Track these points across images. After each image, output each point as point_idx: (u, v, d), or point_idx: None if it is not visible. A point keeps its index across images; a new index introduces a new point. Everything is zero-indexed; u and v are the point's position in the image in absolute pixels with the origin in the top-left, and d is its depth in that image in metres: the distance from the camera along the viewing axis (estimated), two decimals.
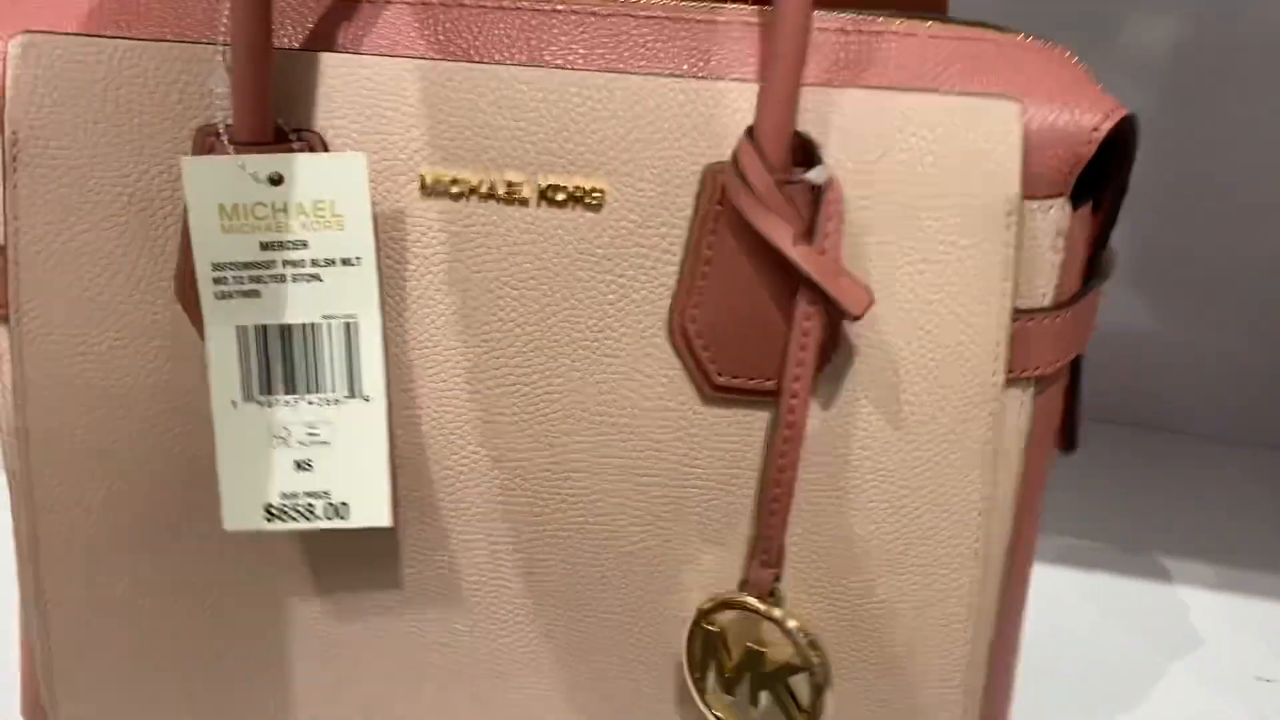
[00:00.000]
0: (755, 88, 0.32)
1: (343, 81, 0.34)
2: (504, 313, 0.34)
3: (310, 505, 0.35)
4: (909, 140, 0.32)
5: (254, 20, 0.32)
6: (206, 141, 0.33)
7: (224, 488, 0.34)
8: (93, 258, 0.34)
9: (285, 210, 0.33)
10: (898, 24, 0.34)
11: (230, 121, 0.33)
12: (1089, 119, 0.33)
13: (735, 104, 0.33)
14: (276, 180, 0.33)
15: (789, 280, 0.32)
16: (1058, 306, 0.35)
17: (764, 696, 0.34)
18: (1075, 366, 0.38)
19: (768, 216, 0.31)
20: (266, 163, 0.32)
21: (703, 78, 0.33)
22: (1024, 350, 0.34)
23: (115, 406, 0.35)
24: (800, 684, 0.34)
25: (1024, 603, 0.39)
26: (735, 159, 0.31)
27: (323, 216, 0.33)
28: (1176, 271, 0.67)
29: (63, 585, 0.37)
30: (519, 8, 0.34)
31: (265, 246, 0.33)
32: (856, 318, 0.31)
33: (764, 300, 0.33)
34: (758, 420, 0.34)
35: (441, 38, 0.34)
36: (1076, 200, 0.35)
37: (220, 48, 0.33)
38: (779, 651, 0.34)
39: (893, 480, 0.34)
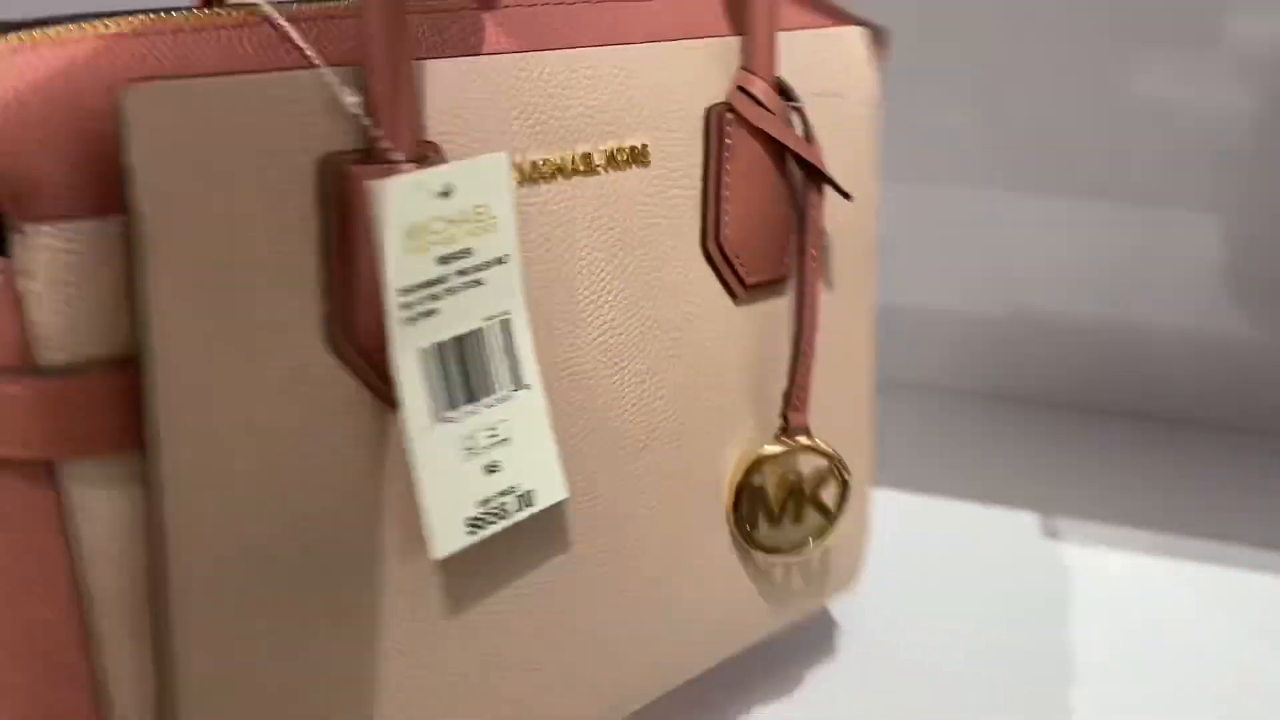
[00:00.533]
0: (726, 43, 0.40)
1: (438, 87, 0.34)
2: (592, 268, 0.38)
3: (503, 505, 0.36)
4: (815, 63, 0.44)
5: (396, 33, 0.32)
6: (354, 170, 0.32)
7: (430, 516, 0.34)
8: (239, 346, 0.31)
9: (454, 221, 0.33)
10: None
11: (382, 144, 0.32)
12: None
13: (722, 56, 0.41)
14: (446, 193, 0.33)
15: (787, 188, 0.42)
16: None
17: (806, 511, 0.44)
18: None
19: (776, 122, 0.40)
20: (440, 176, 0.33)
21: (687, 39, 0.40)
22: None
23: (284, 510, 0.32)
24: (828, 493, 0.45)
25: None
26: (740, 87, 0.40)
27: (481, 220, 0.34)
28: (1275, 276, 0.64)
29: None
30: (560, 1, 0.38)
31: (441, 260, 0.33)
32: (850, 198, 0.42)
33: (774, 203, 0.42)
34: (776, 306, 0.43)
35: (509, 33, 0.36)
36: None
37: (330, 70, 0.32)
38: (810, 474, 0.44)
39: (840, 319, 0.46)
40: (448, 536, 0.34)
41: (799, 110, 0.41)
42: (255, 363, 0.30)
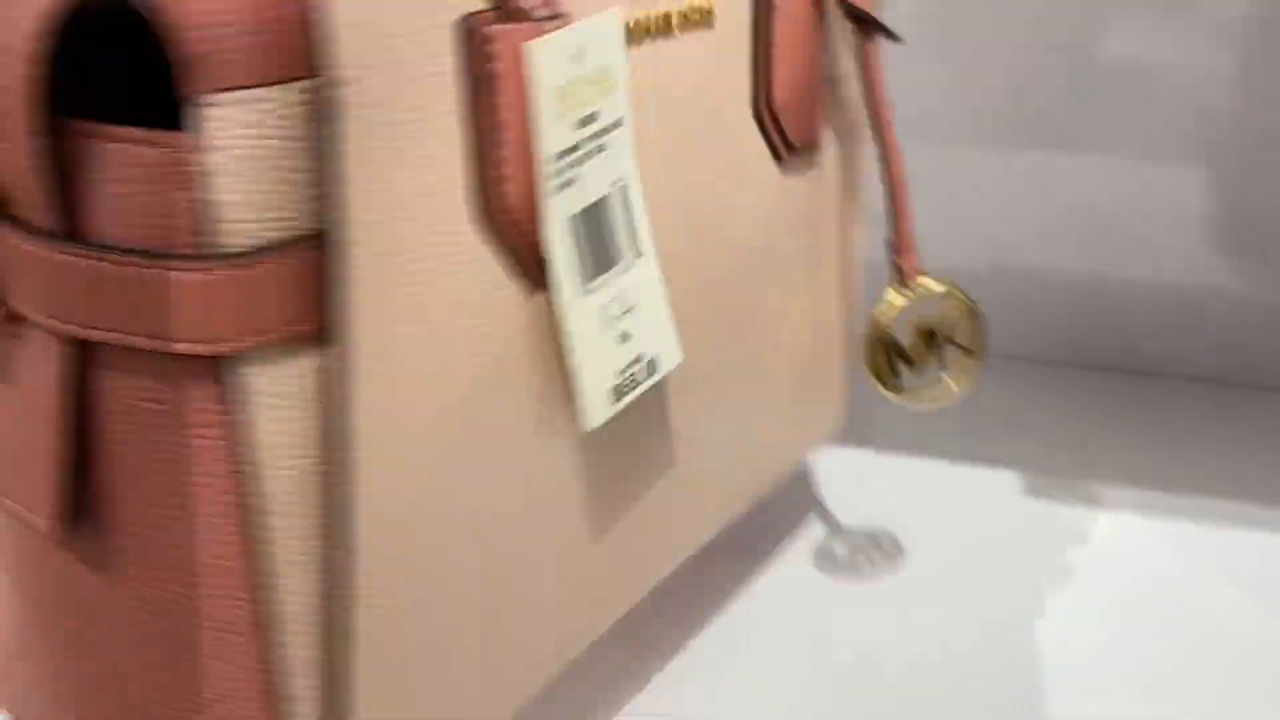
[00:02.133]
0: None
1: None
2: (677, 126, 0.38)
3: (634, 373, 0.36)
4: None
5: None
6: (495, 31, 0.30)
7: (584, 388, 0.34)
8: (410, 218, 0.29)
9: (586, 82, 0.33)
10: None
11: (519, 3, 0.31)
12: None
13: None
14: (579, 54, 0.32)
15: (825, 45, 0.43)
16: None
17: (949, 352, 0.46)
18: None
19: None
20: (574, 36, 0.32)
21: None
22: None
23: (468, 410, 0.31)
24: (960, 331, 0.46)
25: None
26: None
27: (604, 82, 0.34)
28: (1261, 230, 0.63)
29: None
30: None
31: (580, 123, 0.33)
32: (899, 39, 0.44)
33: (815, 64, 0.43)
34: (812, 173, 0.44)
35: None
36: None
37: None
38: (941, 317, 0.46)
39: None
40: (598, 407, 0.34)
41: None
42: (419, 239, 0.29)
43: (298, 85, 0.26)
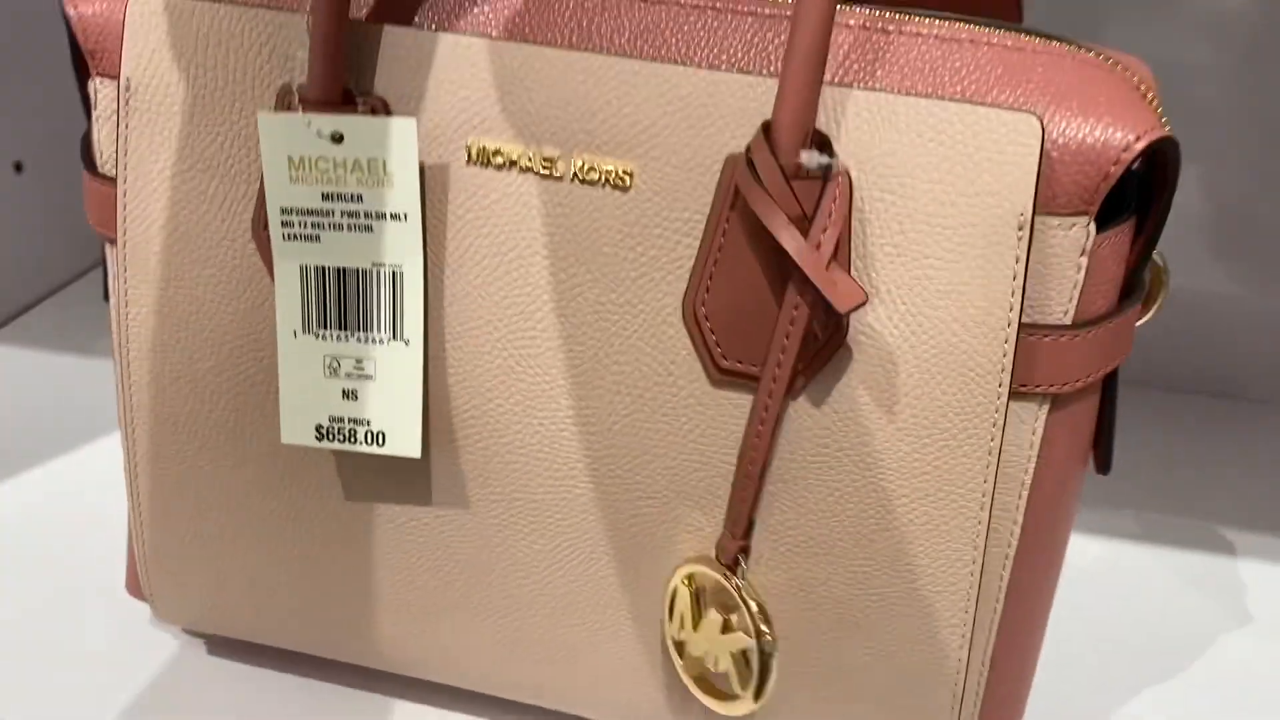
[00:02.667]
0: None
1: (407, 52, 0.36)
2: (534, 279, 0.37)
3: (354, 430, 0.39)
4: (927, 145, 0.33)
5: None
6: (284, 99, 0.36)
7: (283, 407, 0.39)
8: (189, 197, 0.38)
9: (344, 165, 0.36)
10: (936, 25, 0.34)
11: (304, 83, 0.36)
12: (1120, 137, 0.33)
13: (765, 98, 0.34)
14: (338, 138, 0.36)
15: (789, 272, 0.33)
16: (1076, 325, 0.35)
17: (722, 658, 0.37)
18: (1108, 386, 0.38)
19: (769, 205, 0.32)
20: (330, 122, 0.36)
21: (735, 70, 0.34)
22: (1032, 365, 0.34)
23: (202, 332, 0.39)
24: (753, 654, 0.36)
25: (1044, 617, 0.40)
26: (748, 149, 0.33)
27: (376, 173, 0.36)
28: (1265, 237, 0.65)
29: (157, 487, 0.42)
30: None
31: (326, 197, 0.37)
32: (841, 315, 0.32)
33: (766, 290, 0.34)
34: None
35: (502, 16, 0.36)
36: (1114, 218, 0.35)
37: (307, 17, 0.36)
38: (743, 624, 0.36)
39: (887, 478, 0.35)
40: (297, 431, 0.40)
41: (828, 177, 0.33)
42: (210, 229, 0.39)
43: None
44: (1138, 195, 0.35)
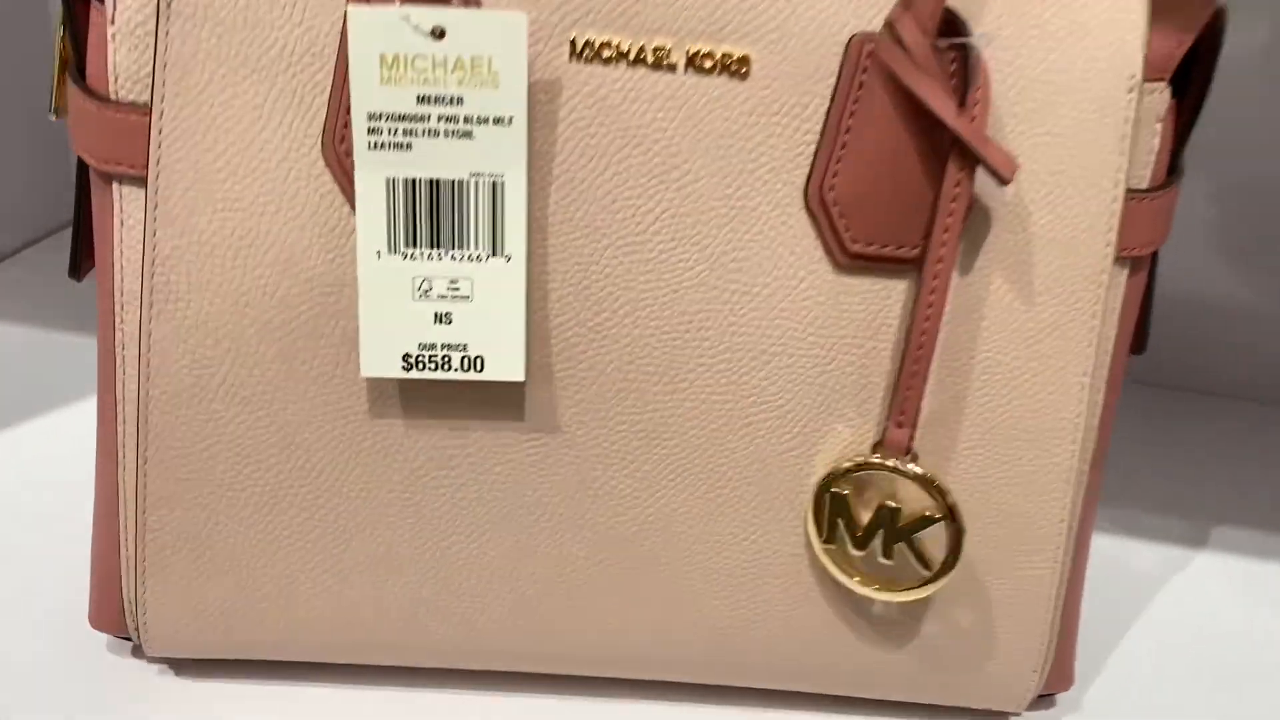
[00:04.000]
0: None
1: None
2: (646, 179, 0.35)
3: (447, 356, 0.36)
4: (1039, 12, 0.34)
5: None
6: None
7: (364, 335, 0.35)
8: (241, 114, 0.34)
9: (444, 64, 0.33)
10: None
11: None
12: (1195, 5, 0.35)
13: None
14: (438, 34, 0.33)
15: (932, 147, 0.34)
16: (1152, 189, 0.37)
17: (897, 550, 0.37)
18: (1152, 264, 0.40)
19: (923, 79, 0.33)
20: (430, 15, 0.33)
21: None
22: (1126, 229, 0.36)
23: (252, 264, 0.35)
24: (928, 538, 0.37)
25: (1096, 502, 0.42)
26: (890, 24, 0.33)
27: (480, 73, 0.34)
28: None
29: (171, 476, 0.37)
30: None
31: (421, 100, 0.34)
32: (1006, 182, 0.33)
33: (905, 167, 0.34)
34: (892, 289, 0.36)
35: None
36: (1178, 87, 0.37)
37: None
38: (912, 507, 0.36)
39: (1018, 349, 0.36)
40: (381, 361, 0.36)
41: (966, 52, 0.34)
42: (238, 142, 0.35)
43: None
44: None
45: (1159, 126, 0.36)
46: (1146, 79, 0.35)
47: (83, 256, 0.40)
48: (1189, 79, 0.38)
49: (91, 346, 0.61)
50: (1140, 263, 0.38)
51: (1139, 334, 0.41)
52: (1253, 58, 0.61)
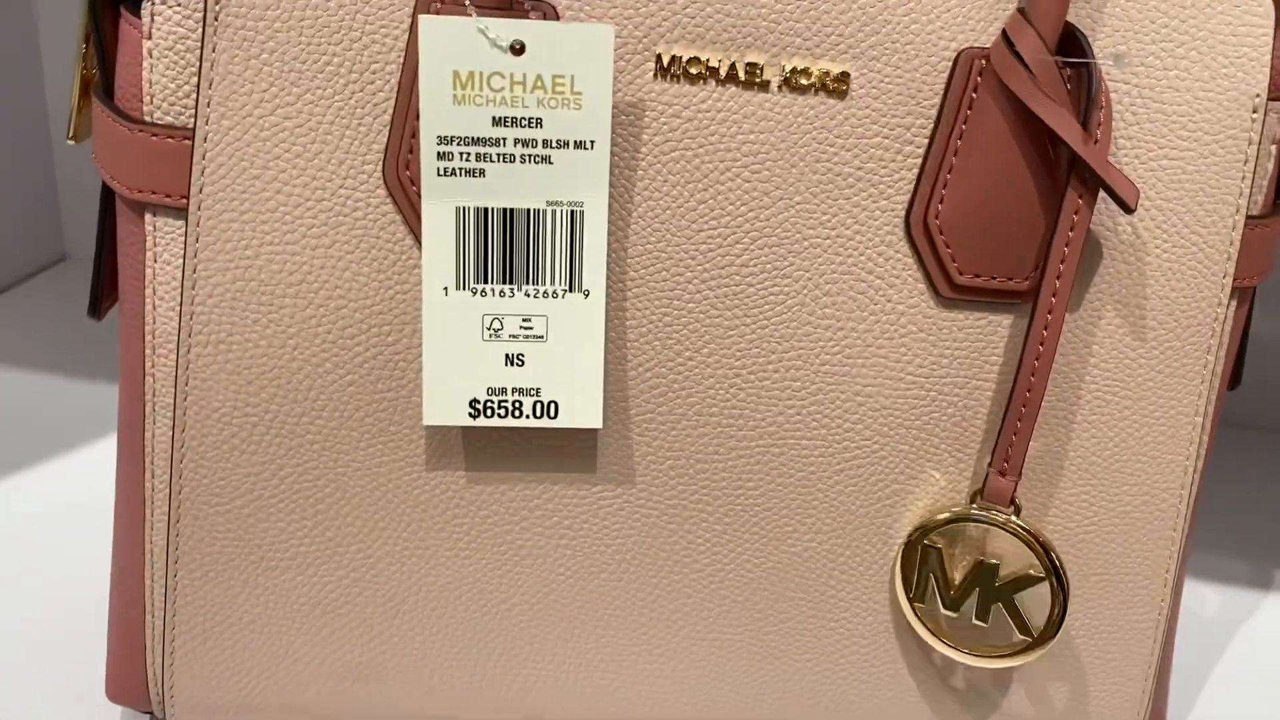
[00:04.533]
0: None
1: None
2: (734, 206, 0.32)
3: (519, 402, 0.33)
4: (1160, 31, 0.32)
5: None
6: (435, 5, 0.30)
7: (427, 379, 0.32)
8: (294, 136, 0.31)
9: (523, 83, 0.30)
10: None
11: None
12: None
13: None
14: (519, 49, 0.30)
15: (1048, 171, 0.31)
16: (1263, 215, 0.35)
17: (994, 611, 0.34)
18: (1251, 294, 0.38)
19: (1046, 101, 0.30)
20: (511, 28, 0.30)
21: None
22: (1241, 258, 0.34)
23: (304, 301, 0.32)
24: (1029, 599, 0.34)
25: (1191, 550, 0.39)
26: (1007, 38, 0.31)
27: (561, 93, 0.31)
28: None
29: (209, 534, 0.34)
30: None
31: (497, 122, 0.31)
32: (1131, 210, 0.31)
33: (1018, 193, 0.32)
34: (997, 325, 0.33)
35: None
36: None
37: None
38: (1011, 565, 0.34)
39: (1128, 389, 0.34)
40: (445, 409, 0.33)
41: (1088, 74, 0.31)
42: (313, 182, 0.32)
43: None
44: None
45: (1274, 149, 0.34)
46: (1271, 98, 0.33)
47: (104, 293, 0.37)
48: None
49: (86, 390, 0.57)
50: (1245, 293, 0.36)
51: (1236, 368, 0.39)
52: None
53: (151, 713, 0.37)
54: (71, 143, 0.36)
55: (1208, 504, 0.57)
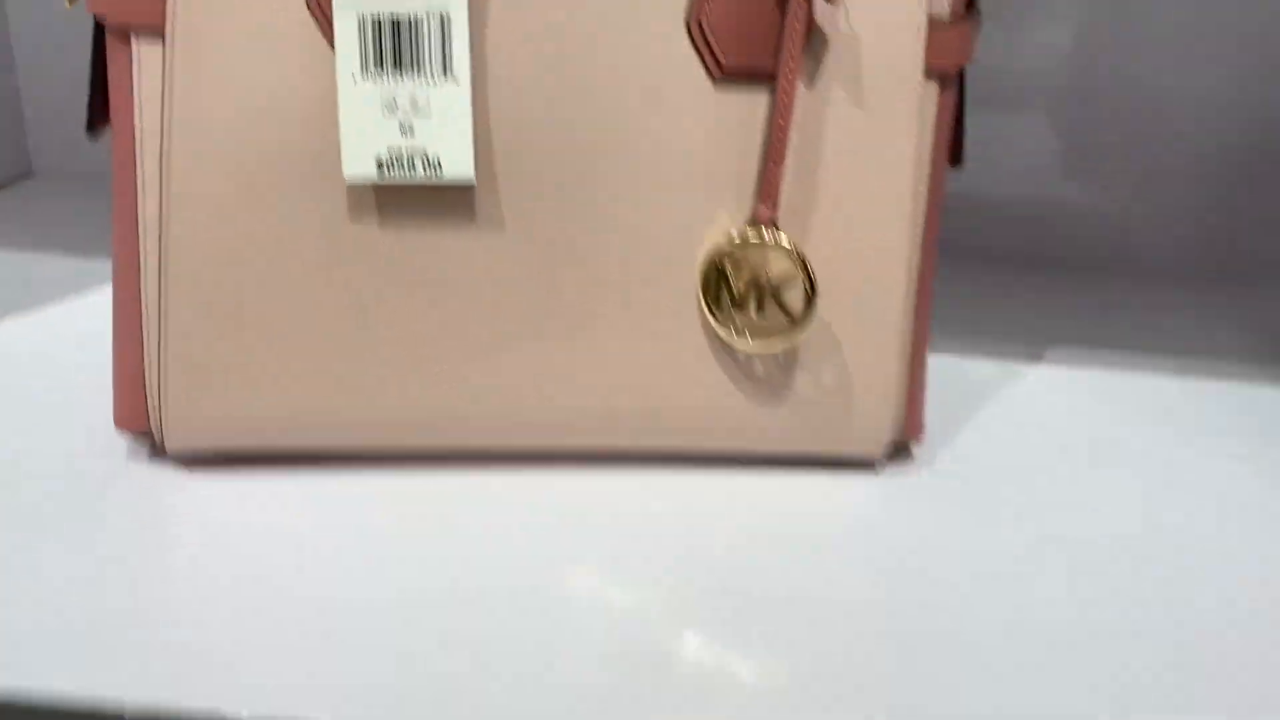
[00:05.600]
0: None
1: None
2: (559, 13, 0.45)
3: (412, 159, 0.45)
4: None
5: None
6: None
7: (344, 145, 0.45)
8: None
9: None
10: None
11: None
12: None
13: None
14: None
15: None
16: (953, 20, 0.48)
17: (768, 305, 0.47)
18: (960, 92, 0.52)
19: None
20: None
21: None
22: (930, 49, 0.48)
23: (255, 90, 0.45)
24: (790, 295, 0.47)
25: (931, 281, 0.53)
26: None
27: None
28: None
29: (194, 285, 0.46)
30: None
31: None
32: (835, 10, 0.44)
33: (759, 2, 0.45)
34: (760, 98, 0.46)
35: None
36: None
37: None
38: (776, 270, 0.47)
39: (857, 147, 0.47)
40: (358, 166, 0.45)
41: None
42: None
43: None
44: None
45: None
46: None
47: (98, 115, 0.49)
48: None
49: (53, 310, 0.64)
50: (948, 80, 0.49)
51: (955, 148, 0.52)
52: None
53: (151, 433, 0.49)
54: (68, 5, 0.48)
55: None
